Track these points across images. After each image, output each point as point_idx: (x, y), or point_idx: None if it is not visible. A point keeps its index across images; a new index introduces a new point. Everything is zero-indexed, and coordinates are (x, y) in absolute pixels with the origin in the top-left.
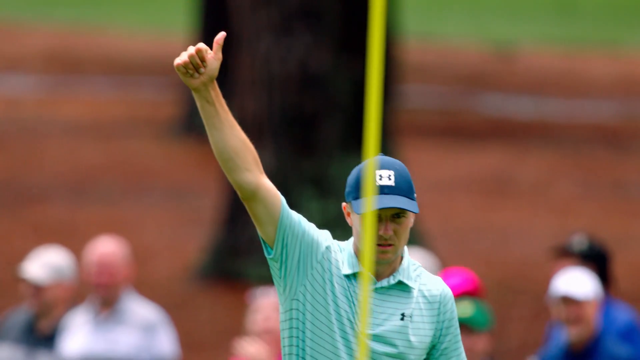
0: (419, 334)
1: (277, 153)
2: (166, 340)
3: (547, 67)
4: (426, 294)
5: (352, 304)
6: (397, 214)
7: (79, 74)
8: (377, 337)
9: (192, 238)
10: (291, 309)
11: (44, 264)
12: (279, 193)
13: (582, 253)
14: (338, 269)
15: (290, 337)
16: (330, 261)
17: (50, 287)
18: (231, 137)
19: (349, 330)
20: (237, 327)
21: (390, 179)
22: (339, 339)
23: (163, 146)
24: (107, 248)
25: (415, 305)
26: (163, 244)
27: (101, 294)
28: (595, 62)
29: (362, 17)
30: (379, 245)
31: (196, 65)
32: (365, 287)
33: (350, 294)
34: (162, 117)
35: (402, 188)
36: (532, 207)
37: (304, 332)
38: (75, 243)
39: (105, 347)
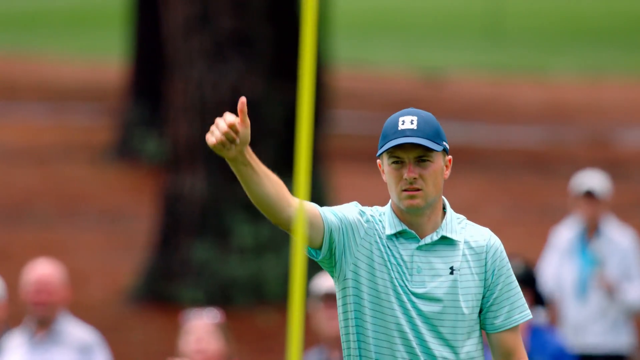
0: (468, 286)
1: (210, 178)
2: None
3: (475, 93)
4: (472, 244)
5: (399, 264)
6: (421, 158)
7: (13, 99)
8: (424, 296)
9: (126, 261)
10: (345, 288)
11: None
12: (314, 206)
13: (518, 278)
14: (382, 234)
15: (345, 312)
16: (374, 230)
17: None
18: (269, 186)
19: (400, 290)
20: (170, 349)
21: (412, 123)
22: (394, 300)
23: (97, 171)
24: (45, 269)
25: (462, 257)
26: (96, 267)
27: (39, 313)
28: (522, 89)
29: (294, 43)
30: (405, 190)
31: (231, 139)
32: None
33: (397, 254)
34: (96, 142)
35: (425, 131)
36: None
37: (361, 305)
38: (10, 266)
39: None
